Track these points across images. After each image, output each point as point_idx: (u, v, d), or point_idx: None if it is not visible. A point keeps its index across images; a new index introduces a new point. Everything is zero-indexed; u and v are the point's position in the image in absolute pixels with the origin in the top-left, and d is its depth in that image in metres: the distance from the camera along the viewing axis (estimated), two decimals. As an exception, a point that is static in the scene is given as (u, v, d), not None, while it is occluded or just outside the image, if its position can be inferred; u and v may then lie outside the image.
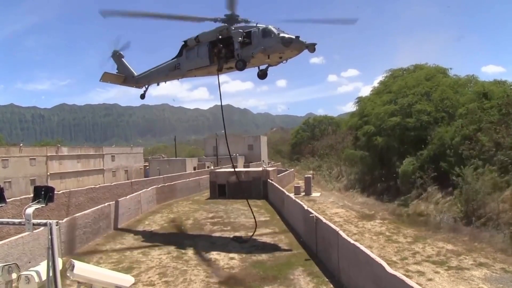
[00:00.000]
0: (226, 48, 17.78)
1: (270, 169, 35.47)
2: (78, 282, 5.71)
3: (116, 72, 22.63)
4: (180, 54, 19.83)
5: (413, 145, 26.26)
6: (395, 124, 27.26)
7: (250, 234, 19.22)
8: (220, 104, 18.77)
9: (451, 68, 30.96)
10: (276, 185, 29.09)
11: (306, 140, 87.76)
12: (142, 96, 22.72)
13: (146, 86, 22.35)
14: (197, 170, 52.45)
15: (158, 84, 22.16)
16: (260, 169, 35.50)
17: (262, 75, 18.93)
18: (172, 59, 20.34)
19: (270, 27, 16.68)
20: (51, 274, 4.71)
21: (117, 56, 22.64)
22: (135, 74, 22.46)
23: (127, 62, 22.82)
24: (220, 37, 17.87)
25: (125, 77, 22.51)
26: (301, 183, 38.53)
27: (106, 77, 21.91)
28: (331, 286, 11.88)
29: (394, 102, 29.45)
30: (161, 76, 21.20)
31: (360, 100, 37.90)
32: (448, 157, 22.30)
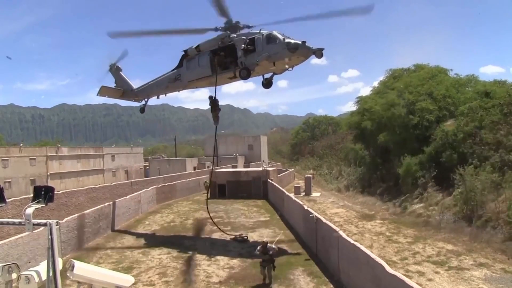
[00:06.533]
0: (228, 57, 17.12)
1: (270, 169, 35.46)
2: (78, 282, 5.72)
3: (114, 86, 22.24)
4: (180, 64, 19.24)
5: (416, 144, 26.22)
6: (398, 116, 27.04)
7: (251, 234, 19.24)
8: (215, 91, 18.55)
9: (451, 69, 31.04)
10: (276, 185, 29.08)
11: (306, 140, 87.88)
12: (142, 110, 22.37)
13: (146, 99, 21.94)
14: (197, 170, 52.44)
15: (158, 97, 21.61)
16: (260, 169, 35.51)
17: (267, 84, 18.26)
18: (172, 70, 19.75)
19: (275, 32, 15.98)
20: (51, 274, 4.71)
21: (114, 70, 22.18)
22: (134, 87, 22.04)
23: (125, 75, 22.45)
24: (221, 45, 17.23)
25: (123, 91, 22.10)
26: (301, 183, 38.55)
27: (104, 91, 21.48)
28: (331, 286, 11.88)
29: (400, 97, 29.37)
30: (161, 89, 20.67)
31: (361, 99, 37.87)
32: (451, 152, 22.24)
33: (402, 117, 27.04)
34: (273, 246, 12.36)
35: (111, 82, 22.52)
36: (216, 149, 20.23)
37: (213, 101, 18.39)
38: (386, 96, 31.17)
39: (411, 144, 26.58)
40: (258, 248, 12.35)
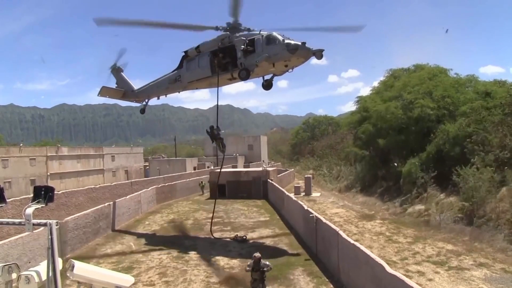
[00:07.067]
0: (228, 58, 17.07)
1: (270, 169, 35.46)
2: (78, 282, 5.72)
3: (116, 87, 22.35)
4: (180, 65, 19.23)
5: (416, 143, 26.20)
6: (395, 117, 27.09)
7: (250, 234, 19.26)
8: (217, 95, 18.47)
9: (451, 69, 31.01)
10: (276, 185, 29.08)
11: (306, 140, 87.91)
12: (142, 111, 22.45)
13: (146, 100, 22.03)
14: (197, 170, 52.45)
15: (158, 98, 21.70)
16: (260, 169, 35.51)
17: (267, 85, 18.21)
18: (172, 71, 19.78)
19: (275, 33, 15.95)
20: (51, 274, 4.71)
21: (116, 70, 22.31)
22: (135, 88, 22.13)
23: (126, 76, 22.57)
24: (221, 46, 17.16)
25: (124, 92, 22.21)
26: (301, 183, 38.56)
27: (105, 92, 21.59)
28: (331, 286, 11.87)
29: (397, 98, 29.39)
30: (161, 90, 20.74)
31: (361, 99, 37.92)
32: (451, 154, 22.25)
33: (400, 118, 27.03)
34: (267, 262, 10.09)
35: (112, 83, 22.64)
36: (221, 169, 20.82)
37: (212, 132, 18.04)
38: (384, 97, 31.27)
39: (411, 143, 26.56)
40: (249, 263, 10.11)
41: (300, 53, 15.37)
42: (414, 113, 26.23)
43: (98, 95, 21.52)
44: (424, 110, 25.87)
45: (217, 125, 18.08)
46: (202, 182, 37.90)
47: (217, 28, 17.27)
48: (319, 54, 15.15)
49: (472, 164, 19.81)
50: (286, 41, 15.56)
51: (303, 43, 15.24)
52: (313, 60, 16.00)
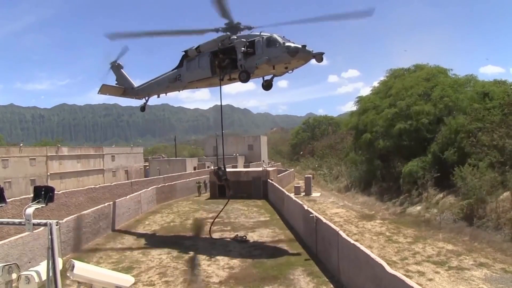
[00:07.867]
0: (228, 59, 17.01)
1: (270, 169, 35.50)
2: (78, 282, 5.71)
3: (116, 84, 22.32)
4: (180, 64, 19.22)
5: (416, 145, 26.18)
6: (399, 130, 27.19)
7: (250, 233, 19.26)
8: (220, 107, 18.39)
9: (451, 69, 30.91)
10: (276, 185, 29.10)
11: (306, 140, 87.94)
12: (142, 109, 22.45)
13: (146, 98, 22.01)
14: (197, 170, 52.45)
15: (158, 96, 21.69)
16: (260, 169, 35.53)
17: (267, 86, 18.25)
18: (172, 70, 19.77)
19: (275, 35, 15.92)
20: (51, 274, 4.70)
21: (116, 67, 22.27)
22: (135, 85, 22.10)
23: (126, 73, 22.59)
24: (222, 47, 17.15)
25: (124, 89, 22.16)
26: (301, 183, 38.57)
27: (105, 90, 21.56)
28: (331, 286, 11.88)
29: (393, 105, 29.39)
30: (161, 88, 20.75)
31: (360, 100, 37.86)
32: (451, 153, 22.26)
33: (403, 128, 27.04)
34: None
35: (112, 81, 22.62)
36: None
37: (217, 173, 18.02)
38: (382, 103, 31.28)
39: (411, 146, 26.53)
40: None
41: (300, 56, 15.37)
42: (412, 124, 26.26)
43: (98, 93, 21.56)
44: (419, 118, 25.91)
45: (224, 166, 18.14)
46: (198, 182, 37.44)
47: (217, 30, 17.24)
48: (319, 57, 15.17)
49: (469, 164, 19.82)
50: (287, 43, 15.53)
51: (303, 46, 15.20)
52: (313, 61, 16.01)
